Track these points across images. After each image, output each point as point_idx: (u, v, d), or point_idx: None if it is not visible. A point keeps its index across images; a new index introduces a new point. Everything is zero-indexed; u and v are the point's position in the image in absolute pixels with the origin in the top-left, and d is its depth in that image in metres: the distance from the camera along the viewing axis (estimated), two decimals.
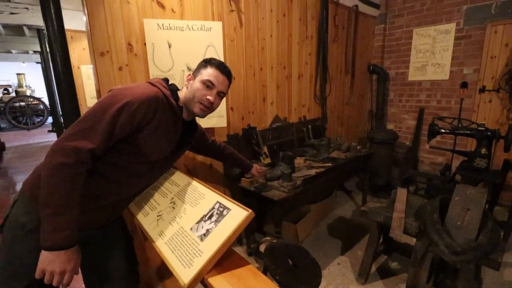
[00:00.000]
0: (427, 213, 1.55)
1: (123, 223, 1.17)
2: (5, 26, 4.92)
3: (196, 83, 1.05)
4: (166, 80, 1.07)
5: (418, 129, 3.56)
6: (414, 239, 1.63)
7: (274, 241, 1.65)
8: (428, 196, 2.65)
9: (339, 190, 3.40)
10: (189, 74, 1.10)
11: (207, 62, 1.08)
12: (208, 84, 1.04)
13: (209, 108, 1.06)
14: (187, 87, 1.07)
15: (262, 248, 2.19)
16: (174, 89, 1.06)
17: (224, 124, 1.92)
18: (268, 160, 2.21)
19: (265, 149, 2.23)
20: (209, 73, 1.05)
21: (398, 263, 2.10)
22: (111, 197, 0.98)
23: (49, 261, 0.76)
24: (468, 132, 2.31)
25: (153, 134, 0.93)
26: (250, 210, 0.81)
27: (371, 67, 3.74)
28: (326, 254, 2.23)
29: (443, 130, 2.42)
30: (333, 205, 3.00)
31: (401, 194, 1.87)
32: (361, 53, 3.57)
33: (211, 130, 2.07)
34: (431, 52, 3.32)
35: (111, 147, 0.89)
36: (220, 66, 1.08)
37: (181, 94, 1.08)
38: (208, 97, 1.04)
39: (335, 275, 2.00)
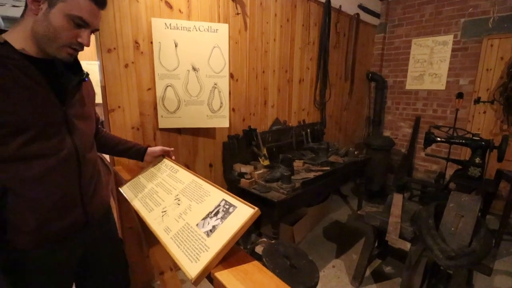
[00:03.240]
0: (422, 219, 1.58)
1: (115, 227, 1.15)
2: (5, 18, 4.87)
3: (58, 18, 0.71)
4: None
5: (414, 137, 3.63)
6: (409, 245, 1.67)
7: (272, 241, 1.67)
8: (422, 203, 2.70)
9: (335, 195, 3.44)
10: None
11: None
12: (79, 23, 0.74)
13: (80, 50, 0.80)
14: (35, 14, 0.71)
15: (258, 249, 2.21)
16: None
17: (227, 125, 1.95)
18: (267, 162, 2.24)
19: (265, 151, 2.26)
20: (80, 4, 0.73)
21: (392, 268, 2.14)
22: (50, 195, 0.80)
23: None
24: (463, 141, 2.37)
25: None
26: (256, 208, 0.83)
27: (370, 75, 3.81)
28: (321, 257, 2.26)
29: (439, 139, 2.47)
30: (329, 209, 3.04)
31: (397, 199, 1.91)
32: (360, 60, 3.63)
33: (213, 130, 2.09)
34: (429, 62, 3.40)
35: None
36: None
37: (22, 28, 0.73)
38: (80, 39, 0.76)
39: (330, 278, 2.03)
